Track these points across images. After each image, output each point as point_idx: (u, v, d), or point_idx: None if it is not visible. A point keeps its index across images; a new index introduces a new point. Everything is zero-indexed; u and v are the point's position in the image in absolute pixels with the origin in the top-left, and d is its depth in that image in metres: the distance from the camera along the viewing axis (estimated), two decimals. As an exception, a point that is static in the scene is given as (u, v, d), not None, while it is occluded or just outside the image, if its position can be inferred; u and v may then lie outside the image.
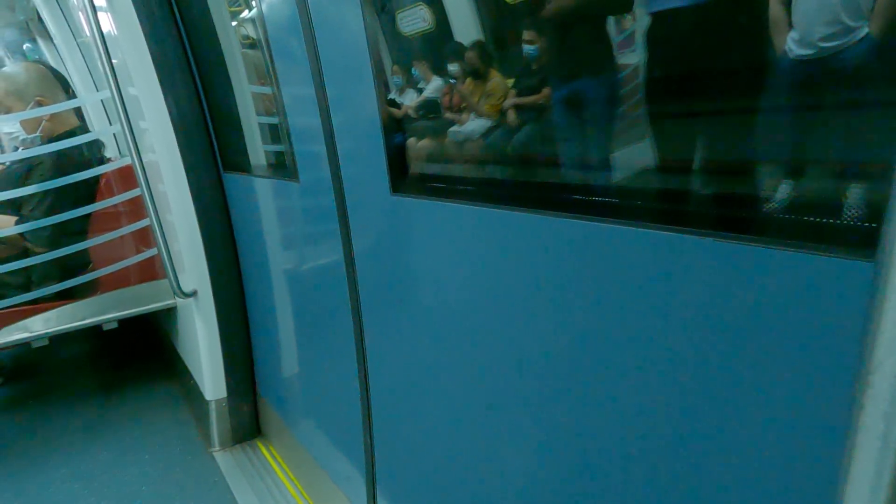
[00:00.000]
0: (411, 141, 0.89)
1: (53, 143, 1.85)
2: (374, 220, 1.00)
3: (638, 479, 0.61)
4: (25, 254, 1.84)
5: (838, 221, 0.41)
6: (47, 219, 1.79)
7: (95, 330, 1.96)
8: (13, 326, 1.83)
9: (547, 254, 0.66)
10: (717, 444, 0.52)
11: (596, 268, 0.60)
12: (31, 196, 1.84)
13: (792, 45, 0.43)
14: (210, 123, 1.66)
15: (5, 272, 1.76)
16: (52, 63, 3.49)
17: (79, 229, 1.91)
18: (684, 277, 0.51)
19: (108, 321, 1.96)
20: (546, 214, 0.64)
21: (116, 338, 2.24)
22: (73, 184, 1.79)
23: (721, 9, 0.49)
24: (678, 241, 0.51)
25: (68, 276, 1.85)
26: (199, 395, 1.92)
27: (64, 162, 1.87)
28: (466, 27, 0.77)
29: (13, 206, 1.88)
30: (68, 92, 2.06)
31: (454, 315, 0.85)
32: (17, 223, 1.83)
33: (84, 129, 2.09)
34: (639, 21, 0.56)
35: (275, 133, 1.39)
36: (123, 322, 2.00)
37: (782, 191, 0.45)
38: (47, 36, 3.41)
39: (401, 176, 0.90)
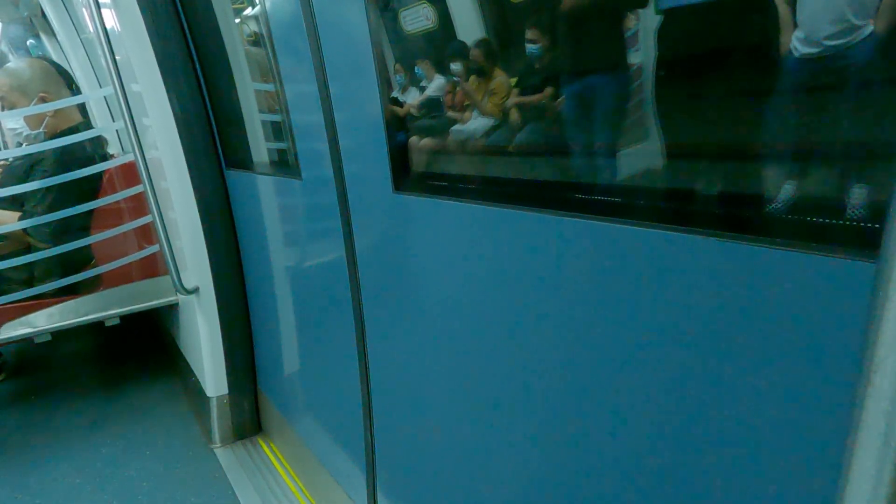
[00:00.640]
0: (413, 139, 0.89)
1: (57, 139, 1.86)
2: (376, 218, 1.00)
3: (640, 478, 0.61)
4: (28, 250, 1.84)
5: (841, 221, 0.41)
6: (50, 215, 1.79)
7: (98, 326, 1.97)
8: (16, 322, 1.84)
9: (549, 253, 0.66)
10: (719, 443, 0.52)
11: (599, 267, 0.60)
12: (34, 192, 1.84)
13: (797, 43, 0.43)
14: (213, 120, 1.66)
15: (8, 268, 1.76)
16: (56, 59, 3.49)
17: (81, 225, 1.92)
18: (688, 277, 0.51)
19: (111, 317, 1.96)
20: (549, 213, 0.64)
21: (118, 334, 2.25)
22: (75, 180, 1.80)
23: (727, 7, 0.49)
24: (682, 241, 0.51)
25: (71, 272, 1.86)
26: (201, 391, 1.93)
27: (67, 158, 1.87)
28: (470, 25, 0.77)
29: (16, 202, 1.89)
30: (72, 88, 2.07)
31: (455, 313, 0.85)
32: (20, 219, 1.83)
33: (87, 125, 2.09)
34: (642, 20, 0.56)
35: (277, 130, 1.39)
36: (125, 318, 2.00)
37: (785, 190, 0.45)
38: (51, 32, 3.42)
39: (403, 174, 0.90)
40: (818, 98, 0.44)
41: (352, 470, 1.31)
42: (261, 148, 1.52)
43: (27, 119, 1.92)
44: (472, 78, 0.78)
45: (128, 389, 2.33)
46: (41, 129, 1.92)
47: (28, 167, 1.90)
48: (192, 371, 2.06)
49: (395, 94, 0.89)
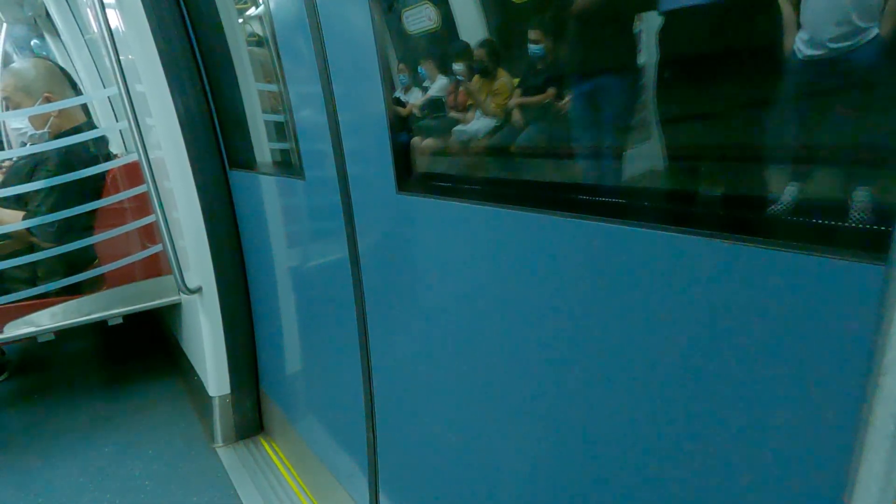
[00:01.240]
0: (416, 139, 0.89)
1: (61, 139, 1.86)
2: (380, 219, 1.00)
3: (644, 479, 0.61)
4: (32, 249, 1.85)
5: (848, 224, 0.40)
6: (53, 214, 1.80)
7: (100, 325, 1.98)
8: (19, 321, 1.84)
9: (553, 254, 0.66)
10: (725, 445, 0.52)
11: (603, 268, 0.60)
12: (38, 191, 1.85)
13: (801, 45, 0.43)
14: (216, 120, 1.67)
15: (12, 267, 1.77)
16: (60, 59, 3.50)
17: (85, 225, 1.92)
18: (693, 279, 0.51)
19: (114, 316, 1.97)
20: (553, 214, 0.64)
21: (121, 333, 2.25)
22: (79, 180, 1.80)
23: (731, 9, 0.49)
24: (687, 243, 0.51)
25: (74, 272, 1.87)
26: (203, 391, 1.93)
27: (71, 158, 1.88)
28: (473, 26, 0.77)
29: (20, 202, 1.89)
30: (75, 88, 2.07)
31: (458, 313, 0.85)
32: (23, 218, 1.84)
33: (91, 125, 2.10)
34: (645, 21, 0.56)
35: (281, 131, 1.39)
36: (128, 318, 2.01)
37: (790, 192, 0.45)
38: (55, 32, 3.43)
39: (407, 174, 0.90)
40: (822, 101, 0.44)
41: (354, 470, 1.31)
42: (264, 148, 1.52)
43: (31, 119, 1.93)
44: (476, 78, 0.78)
45: (130, 389, 2.34)
46: (45, 129, 1.93)
47: (32, 167, 1.91)
48: (194, 370, 2.06)
49: (398, 94, 0.89)
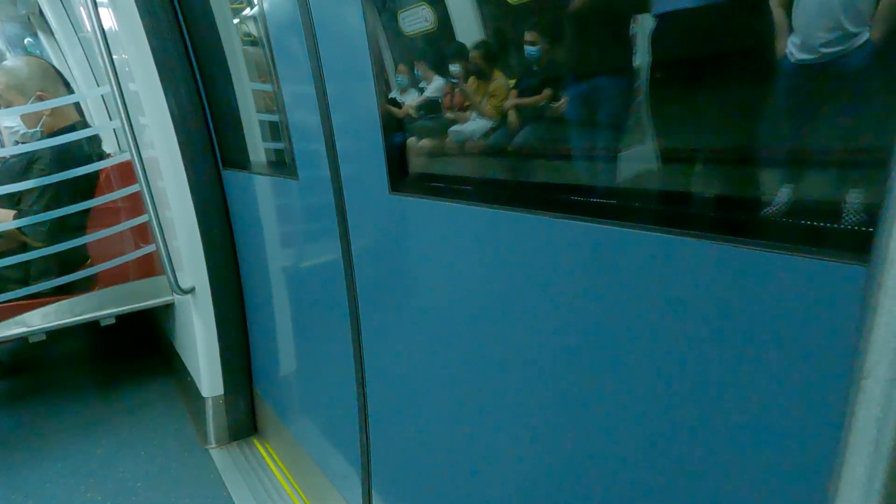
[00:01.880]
0: (411, 140, 0.89)
1: (54, 138, 1.85)
2: (373, 219, 1.00)
3: (633, 479, 0.61)
4: (24, 248, 1.84)
5: (836, 226, 0.41)
6: (46, 213, 1.78)
7: (93, 325, 1.96)
8: (11, 321, 1.83)
9: (546, 255, 0.66)
10: (711, 446, 0.52)
11: (595, 269, 0.60)
12: (31, 190, 1.83)
13: (793, 49, 0.43)
14: (210, 120, 1.66)
15: (3, 266, 1.75)
16: (54, 57, 3.48)
17: (77, 224, 1.91)
18: (679, 279, 0.51)
19: (106, 317, 1.96)
20: (546, 215, 0.64)
21: (114, 334, 2.24)
22: (72, 179, 1.79)
23: (725, 12, 0.49)
24: (677, 244, 0.51)
25: (67, 272, 1.85)
26: (196, 391, 1.92)
27: (64, 157, 1.86)
28: (469, 27, 0.77)
29: (12, 201, 1.88)
30: (68, 87, 2.06)
31: (451, 314, 0.85)
32: (15, 217, 1.82)
33: (84, 124, 2.08)
34: (640, 23, 0.56)
35: (274, 130, 1.39)
36: (121, 318, 1.99)
37: (778, 194, 0.45)
38: (48, 31, 3.41)
39: (400, 175, 0.90)
40: (813, 105, 0.44)
41: (347, 471, 1.30)
42: (258, 148, 1.52)
43: (24, 117, 1.91)
44: (471, 79, 0.78)
45: (123, 389, 2.32)
46: (38, 128, 1.92)
47: (24, 165, 1.89)
48: (187, 371, 2.05)
49: (393, 94, 0.89)
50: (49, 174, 1.79)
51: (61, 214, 1.79)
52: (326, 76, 1.01)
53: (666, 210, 0.55)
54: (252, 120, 1.50)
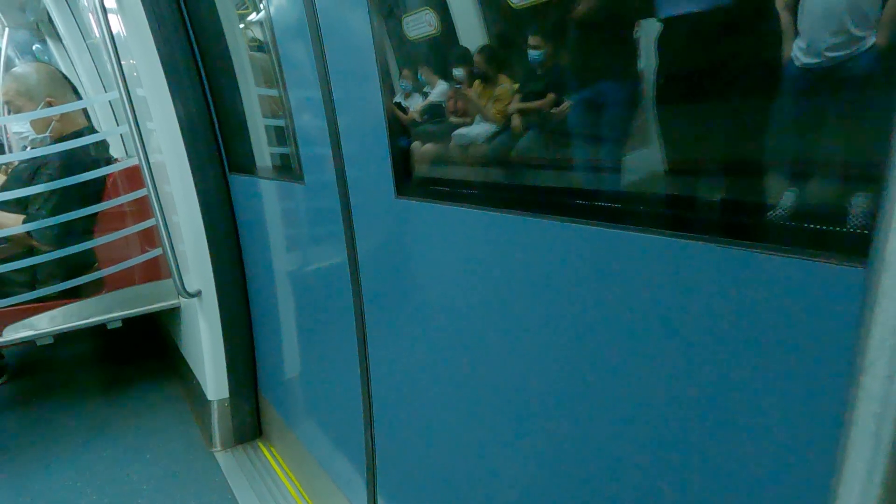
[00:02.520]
0: (416, 144, 0.90)
1: (62, 143, 1.87)
2: (379, 223, 1.00)
3: (635, 481, 0.61)
4: (31, 252, 1.85)
5: (838, 229, 0.41)
6: (54, 217, 1.80)
7: (99, 328, 1.97)
8: (19, 324, 1.84)
9: (553, 259, 0.66)
10: (714, 444, 0.52)
11: (602, 273, 0.60)
12: (39, 195, 1.85)
13: (798, 53, 0.44)
14: (217, 124, 1.67)
15: (11, 270, 1.77)
16: (62, 63, 3.52)
17: (85, 228, 1.93)
18: (686, 282, 0.51)
19: (113, 320, 1.97)
20: (552, 219, 0.65)
21: (120, 337, 2.25)
22: (79, 183, 1.81)
23: (730, 16, 0.50)
24: (684, 247, 0.51)
25: (74, 275, 1.87)
26: (202, 394, 1.93)
27: (71, 162, 1.88)
28: (473, 32, 0.77)
29: (20, 205, 1.90)
30: (76, 93, 2.08)
31: (457, 318, 0.85)
32: (23, 222, 1.84)
33: (92, 129, 2.10)
34: (644, 28, 0.57)
35: (281, 135, 1.40)
36: (127, 321, 2.01)
37: (780, 197, 0.46)
38: (57, 37, 3.45)
39: (405, 179, 0.90)
40: (818, 108, 0.44)
41: (352, 475, 1.30)
42: (264, 152, 1.53)
43: (33, 123, 1.93)
44: (476, 83, 0.78)
45: (129, 392, 2.33)
46: (46, 133, 1.94)
47: (33, 170, 1.91)
48: (192, 374, 2.06)
49: (398, 98, 0.89)
50: (57, 179, 1.81)
51: (69, 219, 1.80)
52: (333, 80, 1.01)
53: (673, 213, 0.55)
54: (258, 125, 1.51)
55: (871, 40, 0.38)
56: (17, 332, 1.83)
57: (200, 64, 1.62)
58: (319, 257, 1.30)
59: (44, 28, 3.67)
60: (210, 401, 1.87)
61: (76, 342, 2.92)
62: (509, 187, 0.79)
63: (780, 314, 0.45)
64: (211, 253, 1.74)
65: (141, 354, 2.72)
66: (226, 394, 1.87)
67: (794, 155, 0.47)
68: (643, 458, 0.60)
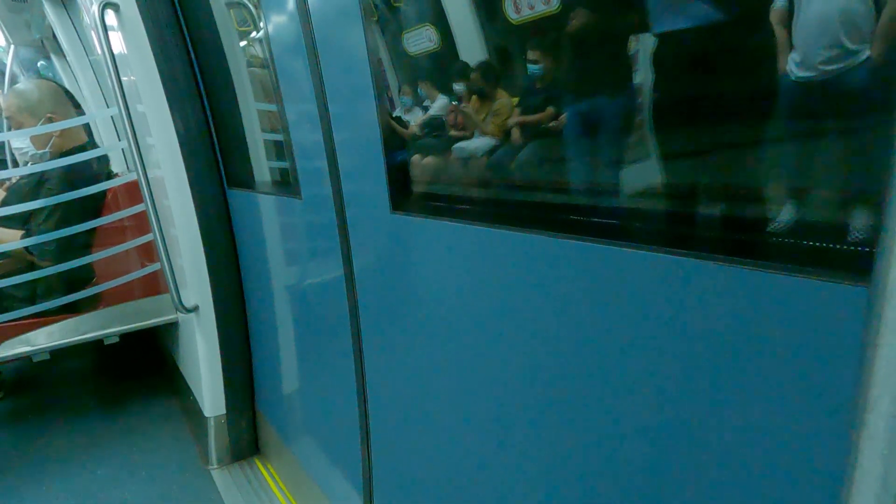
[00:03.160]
0: (411, 159, 0.89)
1: (62, 158, 1.87)
2: (374, 238, 1.00)
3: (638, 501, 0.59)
4: (31, 267, 1.85)
5: (836, 246, 0.40)
6: (53, 232, 1.80)
7: (96, 344, 1.96)
8: (16, 340, 1.83)
9: (549, 275, 0.65)
10: (710, 475, 0.50)
11: (599, 290, 0.59)
12: (39, 210, 1.85)
13: (793, 66, 0.43)
14: (215, 140, 1.68)
15: (10, 285, 1.76)
16: (65, 79, 3.55)
17: (84, 243, 1.92)
18: (685, 299, 0.50)
19: (110, 335, 1.96)
20: (548, 235, 0.64)
21: (117, 352, 2.24)
22: (79, 198, 1.81)
23: (726, 30, 0.49)
24: (677, 264, 0.50)
25: (72, 290, 1.86)
26: (199, 411, 1.91)
27: (72, 177, 1.89)
28: (471, 47, 0.78)
29: (21, 220, 1.90)
30: (78, 108, 2.09)
31: (454, 334, 0.84)
32: (23, 237, 1.84)
33: (93, 144, 2.11)
34: (641, 42, 0.56)
35: (279, 150, 1.40)
36: (124, 336, 1.99)
37: (779, 213, 0.45)
38: (61, 54, 3.49)
39: (400, 194, 0.90)
40: (812, 122, 0.44)
41: (349, 493, 1.28)
42: (262, 167, 1.53)
43: (33, 139, 1.94)
44: (475, 98, 0.78)
45: (125, 409, 2.31)
46: (46, 149, 1.94)
47: (33, 186, 1.92)
48: (190, 390, 2.04)
49: (397, 113, 0.89)
50: (57, 194, 1.81)
51: (69, 234, 1.80)
52: (329, 96, 1.01)
53: (670, 230, 0.54)
54: (257, 140, 1.51)
55: (865, 54, 0.38)
56: (14, 347, 1.82)
57: (199, 80, 1.63)
58: (316, 273, 1.29)
59: (48, 45, 3.72)
60: (207, 417, 1.84)
61: (72, 358, 2.90)
62: (506, 202, 0.79)
63: (781, 334, 0.43)
64: (209, 267, 1.73)
65: (138, 370, 2.70)
66: (223, 410, 1.84)
67: (790, 169, 0.46)
68: (639, 479, 0.58)
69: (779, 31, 0.43)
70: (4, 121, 1.97)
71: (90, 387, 2.64)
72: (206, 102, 1.64)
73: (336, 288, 1.14)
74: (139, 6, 1.50)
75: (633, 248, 0.54)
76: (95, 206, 1.95)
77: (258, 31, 1.33)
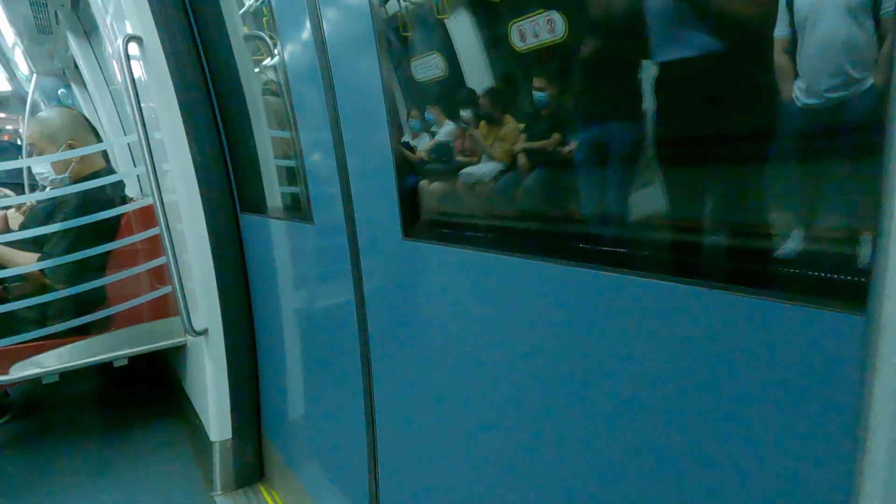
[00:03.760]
0: (422, 184, 0.91)
1: (81, 184, 1.92)
2: (386, 264, 1.00)
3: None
4: (44, 289, 1.87)
5: (838, 276, 0.40)
6: (68, 256, 1.83)
7: (105, 366, 1.97)
8: (26, 362, 1.84)
9: (559, 303, 0.65)
10: (711, 482, 0.49)
11: (609, 317, 0.59)
12: (54, 234, 1.89)
13: (798, 93, 0.44)
14: (230, 165, 1.71)
15: (23, 307, 1.78)
16: (84, 107, 3.66)
17: (97, 266, 1.95)
18: (692, 329, 0.50)
19: (120, 358, 1.96)
20: (559, 263, 0.64)
21: (126, 373, 2.24)
22: (95, 222, 1.84)
23: (730, 58, 0.51)
24: (690, 293, 0.50)
25: (84, 312, 1.87)
26: (204, 435, 1.89)
27: (88, 202, 1.93)
28: (478, 74, 0.80)
29: (36, 243, 1.93)
30: (97, 135, 2.15)
31: (463, 362, 0.84)
32: (38, 260, 1.87)
33: (110, 170, 2.16)
34: (644, 70, 0.58)
35: (291, 176, 1.43)
36: (133, 359, 2.00)
37: (782, 242, 0.45)
38: (82, 83, 3.60)
39: (412, 220, 0.91)
40: (818, 149, 0.45)
41: (355, 523, 1.25)
42: (275, 193, 1.55)
43: (54, 164, 1.99)
44: (482, 124, 0.80)
45: (132, 432, 2.30)
46: (66, 174, 1.99)
47: (50, 210, 1.96)
48: (196, 414, 2.03)
49: (405, 139, 0.91)
50: (73, 218, 1.85)
51: (82, 257, 1.83)
52: (343, 124, 1.04)
53: (678, 258, 0.55)
54: (270, 166, 1.54)
55: (869, 81, 0.39)
56: (25, 369, 1.83)
57: (216, 107, 1.67)
58: (326, 298, 1.30)
59: (69, 74, 3.85)
60: (213, 442, 1.83)
61: (81, 380, 2.90)
62: (512, 229, 0.79)
63: (782, 365, 0.43)
64: (219, 291, 1.74)
65: (146, 393, 2.69)
66: (229, 435, 1.83)
67: (795, 196, 0.46)
68: (647, 494, 0.57)
69: (783, 60, 0.44)
70: (27, 147, 2.02)
71: (97, 410, 2.64)
72: (221, 129, 1.69)
73: (346, 313, 1.15)
74: (161, 39, 1.56)
75: (644, 276, 0.54)
76: (110, 229, 1.98)
77: (274, 62, 1.38)
